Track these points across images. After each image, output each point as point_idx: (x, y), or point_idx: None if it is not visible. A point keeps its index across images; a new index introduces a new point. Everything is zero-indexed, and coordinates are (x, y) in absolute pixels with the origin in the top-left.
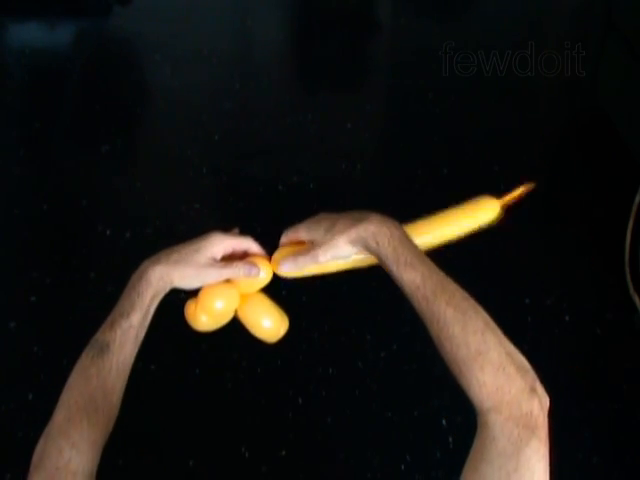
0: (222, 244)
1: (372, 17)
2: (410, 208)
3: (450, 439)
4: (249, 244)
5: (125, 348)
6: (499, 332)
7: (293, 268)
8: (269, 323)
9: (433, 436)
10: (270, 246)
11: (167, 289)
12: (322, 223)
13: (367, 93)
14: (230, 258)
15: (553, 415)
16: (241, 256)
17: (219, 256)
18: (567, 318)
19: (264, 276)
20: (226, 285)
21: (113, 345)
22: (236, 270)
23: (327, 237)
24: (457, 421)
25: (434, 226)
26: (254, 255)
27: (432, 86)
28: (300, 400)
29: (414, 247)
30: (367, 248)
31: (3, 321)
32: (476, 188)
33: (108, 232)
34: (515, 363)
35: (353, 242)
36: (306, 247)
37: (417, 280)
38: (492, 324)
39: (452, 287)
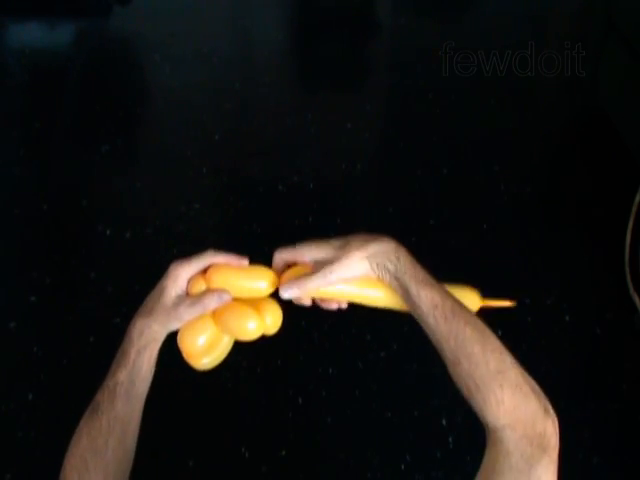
0: (183, 275)
1: (372, 17)
2: (410, 208)
3: (450, 439)
4: (212, 259)
5: (115, 405)
6: (510, 353)
7: (297, 293)
8: (253, 324)
9: (433, 436)
10: (269, 246)
11: (158, 338)
12: (331, 241)
13: (367, 93)
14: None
15: None
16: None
17: (184, 288)
18: (567, 318)
19: (227, 298)
20: (196, 318)
21: (102, 404)
22: (206, 304)
23: (340, 253)
24: (457, 421)
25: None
26: (212, 271)
27: (432, 86)
28: (300, 400)
29: (426, 270)
30: (383, 265)
31: (3, 321)
32: (476, 188)
33: (108, 232)
34: (529, 384)
35: (370, 257)
36: (307, 268)
37: (436, 298)
38: (504, 346)
39: (466, 308)
